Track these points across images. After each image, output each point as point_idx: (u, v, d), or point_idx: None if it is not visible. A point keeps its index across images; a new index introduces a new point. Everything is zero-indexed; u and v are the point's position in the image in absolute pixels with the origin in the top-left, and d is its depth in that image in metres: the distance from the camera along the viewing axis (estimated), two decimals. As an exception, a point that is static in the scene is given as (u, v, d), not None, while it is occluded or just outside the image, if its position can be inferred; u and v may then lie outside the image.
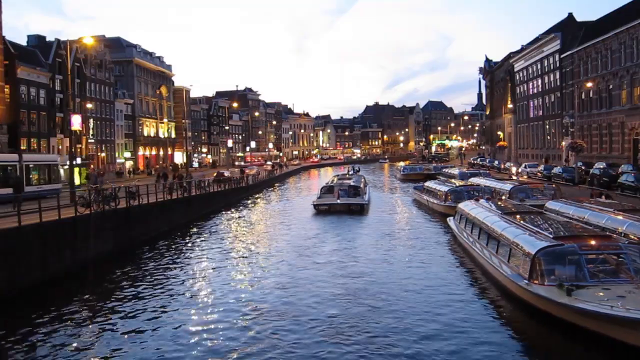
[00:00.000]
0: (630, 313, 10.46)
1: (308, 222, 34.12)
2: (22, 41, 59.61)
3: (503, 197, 29.85)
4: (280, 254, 23.79)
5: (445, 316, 14.17)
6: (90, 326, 14.53)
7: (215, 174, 55.73)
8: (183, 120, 79.10)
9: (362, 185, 42.90)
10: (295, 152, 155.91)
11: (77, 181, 47.32)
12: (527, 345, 12.50)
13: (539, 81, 66.05)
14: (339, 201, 37.24)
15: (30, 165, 33.55)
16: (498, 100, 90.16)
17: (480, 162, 76.14)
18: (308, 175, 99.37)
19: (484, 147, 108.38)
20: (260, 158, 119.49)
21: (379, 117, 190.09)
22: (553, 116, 61.83)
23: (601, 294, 11.84)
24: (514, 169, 55.97)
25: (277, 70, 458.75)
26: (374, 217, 35.31)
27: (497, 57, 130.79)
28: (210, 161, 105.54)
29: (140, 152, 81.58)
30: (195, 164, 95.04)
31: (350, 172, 64.67)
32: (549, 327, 12.70)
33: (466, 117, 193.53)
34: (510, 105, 78.94)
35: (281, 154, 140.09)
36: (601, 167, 37.97)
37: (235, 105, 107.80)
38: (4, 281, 16.93)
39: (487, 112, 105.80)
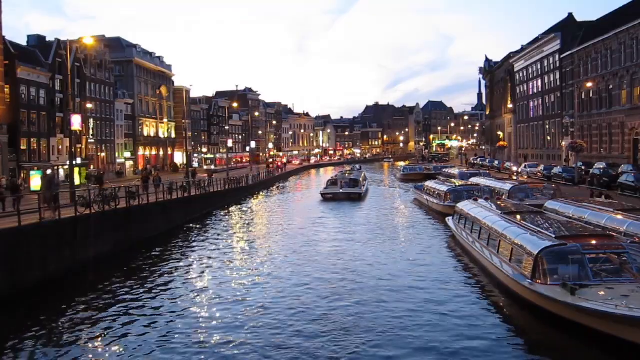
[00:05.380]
0: (634, 312, 10.47)
1: (316, 206, 42.47)
2: (22, 41, 59.65)
3: (503, 197, 29.83)
4: (286, 242, 25.23)
5: (447, 315, 14.14)
6: (90, 326, 14.49)
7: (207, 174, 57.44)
8: (183, 120, 79.06)
9: (361, 179, 51.26)
10: (295, 152, 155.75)
11: (77, 181, 47.38)
12: (530, 344, 12.48)
13: (539, 81, 66.03)
14: (341, 191, 46.55)
15: None
16: (498, 100, 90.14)
17: (480, 162, 76.13)
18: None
19: (484, 147, 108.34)
20: (243, 159, 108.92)
21: (379, 117, 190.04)
22: (553, 116, 61.82)
23: (605, 293, 11.86)
24: (514, 168, 55.89)
25: (277, 70, 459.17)
26: (369, 204, 43.26)
27: (497, 57, 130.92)
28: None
29: (140, 152, 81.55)
30: (195, 164, 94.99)
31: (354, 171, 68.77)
32: (552, 326, 12.69)
33: (466, 117, 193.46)
34: (510, 105, 78.94)
35: (281, 154, 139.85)
36: (601, 167, 37.97)
37: (235, 105, 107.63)
38: (4, 281, 16.89)
39: (487, 112, 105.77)
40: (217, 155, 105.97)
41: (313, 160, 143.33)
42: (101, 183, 30.56)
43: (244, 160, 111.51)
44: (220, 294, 17.08)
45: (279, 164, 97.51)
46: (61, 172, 55.91)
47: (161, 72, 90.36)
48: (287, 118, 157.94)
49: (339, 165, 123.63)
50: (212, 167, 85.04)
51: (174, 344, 12.88)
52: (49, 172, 32.45)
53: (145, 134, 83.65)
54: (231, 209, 42.31)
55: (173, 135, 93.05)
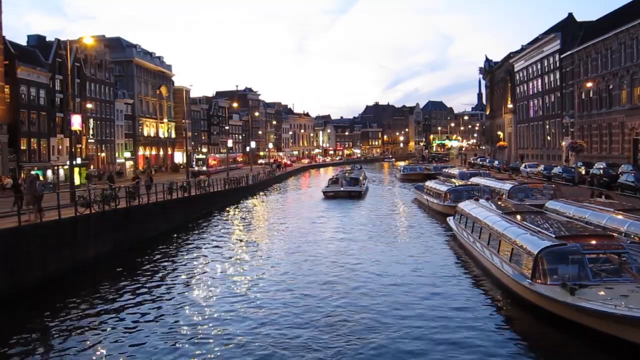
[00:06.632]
0: (634, 312, 10.47)
1: (318, 204, 44.01)
2: (22, 41, 59.65)
3: (503, 197, 29.88)
4: (288, 240, 25.65)
5: (447, 314, 14.17)
6: (90, 326, 14.49)
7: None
8: (183, 120, 78.95)
9: (361, 178, 53.61)
10: (295, 152, 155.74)
11: (77, 181, 47.39)
12: (529, 344, 12.49)
13: (539, 81, 66.00)
14: (342, 189, 48.52)
15: None
16: (498, 100, 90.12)
17: (480, 162, 76.11)
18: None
19: (484, 147, 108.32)
20: (238, 159, 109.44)
21: (379, 117, 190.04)
22: (553, 116, 61.80)
23: (604, 293, 11.86)
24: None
25: (277, 70, 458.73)
26: (369, 202, 44.77)
27: (497, 57, 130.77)
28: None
29: (140, 152, 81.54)
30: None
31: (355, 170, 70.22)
32: (552, 326, 12.69)
33: (466, 117, 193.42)
34: (510, 105, 78.91)
35: (281, 154, 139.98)
36: (601, 167, 37.96)
37: (235, 105, 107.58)
38: (4, 281, 16.90)
39: (487, 112, 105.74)
40: (216, 155, 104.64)
41: (320, 159, 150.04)
42: (112, 182, 31.26)
43: (239, 160, 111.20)
44: (221, 293, 17.09)
45: (283, 163, 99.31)
46: (61, 172, 55.99)
47: (161, 72, 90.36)
48: (287, 118, 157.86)
49: (340, 165, 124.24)
50: (204, 168, 77.58)
51: (174, 343, 12.88)
52: (32, 173, 32.33)
53: (145, 134, 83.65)
54: (231, 208, 42.33)
55: (173, 135, 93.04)
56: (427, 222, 31.95)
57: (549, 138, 63.55)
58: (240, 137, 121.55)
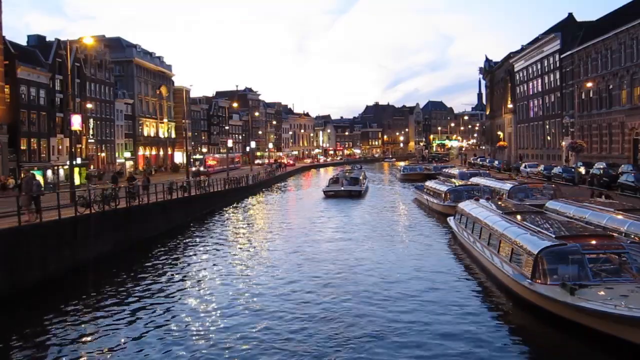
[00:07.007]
0: (633, 312, 10.47)
1: (319, 203, 44.50)
2: (22, 41, 59.65)
3: (503, 197, 29.90)
4: (289, 240, 25.38)
5: (446, 315, 14.17)
6: (90, 326, 14.50)
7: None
8: (183, 120, 78.92)
9: (361, 177, 54.79)
10: (295, 152, 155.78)
11: (77, 181, 47.39)
12: (529, 344, 12.49)
13: (539, 81, 66.02)
14: (342, 188, 49.13)
15: None
16: (498, 100, 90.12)
17: (480, 162, 76.12)
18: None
19: (484, 147, 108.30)
20: (235, 159, 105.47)
21: (379, 117, 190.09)
22: (553, 116, 61.81)
23: (604, 293, 11.87)
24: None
25: (277, 70, 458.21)
26: (369, 202, 45.28)
27: (497, 57, 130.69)
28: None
29: (140, 152, 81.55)
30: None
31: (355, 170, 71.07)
32: (552, 326, 12.69)
33: (466, 117, 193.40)
34: (510, 105, 78.92)
35: (281, 154, 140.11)
36: (601, 167, 37.97)
37: (235, 105, 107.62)
38: (4, 281, 16.90)
39: (487, 112, 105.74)
40: (215, 155, 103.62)
41: (322, 159, 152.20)
42: (116, 182, 31.20)
43: (237, 160, 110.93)
44: (222, 293, 17.09)
45: (284, 162, 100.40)
46: (61, 172, 55.99)
47: (161, 72, 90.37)
48: (287, 118, 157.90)
49: (341, 165, 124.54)
50: (201, 168, 76.20)
51: (174, 343, 12.88)
52: (29, 173, 32.14)
53: (145, 134, 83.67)
54: (232, 208, 42.34)
55: (173, 135, 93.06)
56: (427, 222, 31.96)
57: (549, 138, 63.55)
58: (240, 137, 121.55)
